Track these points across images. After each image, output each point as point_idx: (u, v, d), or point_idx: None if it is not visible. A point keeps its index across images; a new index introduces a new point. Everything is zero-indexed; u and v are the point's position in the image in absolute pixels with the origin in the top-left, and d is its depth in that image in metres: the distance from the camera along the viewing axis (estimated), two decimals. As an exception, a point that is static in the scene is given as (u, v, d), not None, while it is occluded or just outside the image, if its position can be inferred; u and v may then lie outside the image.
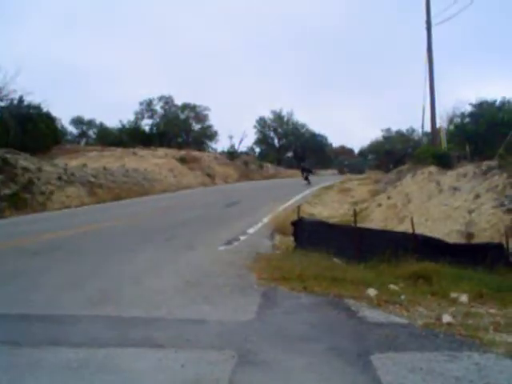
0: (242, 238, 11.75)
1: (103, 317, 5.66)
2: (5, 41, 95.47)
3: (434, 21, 24.86)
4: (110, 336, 4.97)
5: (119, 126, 67.65)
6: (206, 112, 70.78)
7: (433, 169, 16.85)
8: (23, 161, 27.44)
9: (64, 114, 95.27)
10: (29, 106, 37.50)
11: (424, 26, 24.98)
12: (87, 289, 7.00)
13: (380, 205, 16.65)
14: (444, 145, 23.36)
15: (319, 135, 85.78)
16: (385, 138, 67.15)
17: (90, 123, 72.64)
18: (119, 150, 48.39)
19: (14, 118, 30.26)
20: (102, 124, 71.30)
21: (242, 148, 71.56)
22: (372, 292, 6.66)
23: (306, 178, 35.66)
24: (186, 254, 9.79)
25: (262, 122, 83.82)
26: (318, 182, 36.16)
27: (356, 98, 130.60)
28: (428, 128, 25.88)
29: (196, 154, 52.49)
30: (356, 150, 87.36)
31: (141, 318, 5.62)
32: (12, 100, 30.18)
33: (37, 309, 6.01)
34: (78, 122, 71.30)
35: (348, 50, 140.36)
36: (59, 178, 27.77)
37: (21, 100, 34.03)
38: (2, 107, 29.26)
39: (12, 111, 30.74)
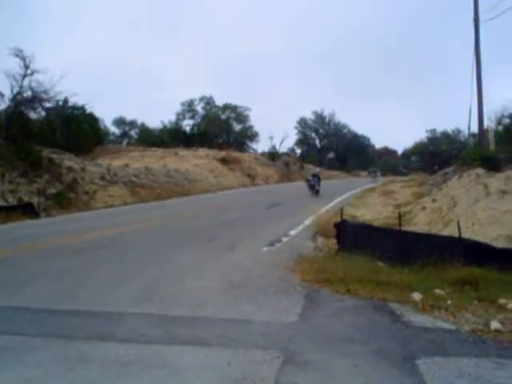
0: (284, 239, 11.74)
1: (149, 314, 5.76)
2: (52, 44, 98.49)
3: (482, 18, 24.27)
4: (156, 333, 5.06)
5: (161, 126, 68.51)
6: (246, 112, 71.00)
7: (480, 171, 16.40)
8: (68, 161, 28.18)
9: (106, 115, 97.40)
10: (73, 107, 38.35)
11: (472, 23, 24.44)
12: (131, 287, 7.14)
13: (424, 208, 16.33)
14: (492, 146, 22.75)
15: (362, 136, 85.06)
16: (429, 139, 65.82)
17: (132, 124, 73.79)
18: (160, 151, 49.10)
19: (60, 119, 30.95)
20: (143, 124, 72.38)
21: (283, 149, 71.34)
22: (417, 296, 6.55)
23: None
24: (229, 254, 9.84)
25: (303, 123, 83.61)
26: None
27: (400, 98, 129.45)
28: (475, 129, 25.29)
29: (237, 154, 52.69)
30: (399, 152, 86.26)
31: (186, 316, 5.71)
32: (58, 101, 30.84)
33: (85, 305, 6.17)
34: (120, 122, 72.56)
35: (391, 50, 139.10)
36: (102, 178, 28.39)
37: (66, 101, 34.77)
38: (49, 108, 29.90)
39: (58, 112, 31.45)
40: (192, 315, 5.75)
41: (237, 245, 10.84)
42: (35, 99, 27.73)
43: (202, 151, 50.19)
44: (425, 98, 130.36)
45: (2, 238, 12.74)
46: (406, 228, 10.51)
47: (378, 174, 53.53)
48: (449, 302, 6.39)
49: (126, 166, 34.89)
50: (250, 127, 72.16)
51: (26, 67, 26.77)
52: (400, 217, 9.69)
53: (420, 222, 14.31)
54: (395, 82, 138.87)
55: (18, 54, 26.56)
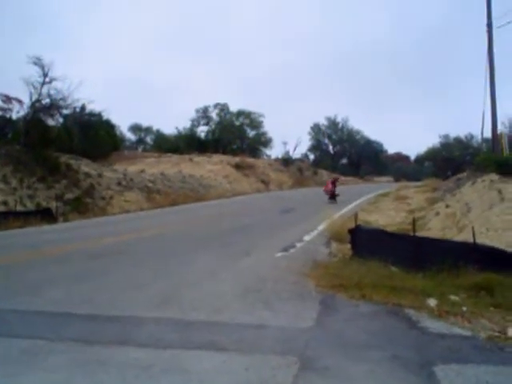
0: (298, 244, 11.78)
1: (166, 319, 5.83)
2: (71, 54, 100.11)
3: (496, 23, 24.16)
4: (174, 338, 5.13)
5: (175, 132, 68.93)
6: (260, 119, 71.09)
7: (494, 177, 16.27)
8: (85, 166, 28.53)
9: (123, 122, 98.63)
10: (90, 114, 38.88)
11: (485, 29, 24.36)
12: (148, 292, 7.23)
13: (438, 213, 16.26)
14: (506, 152, 22.60)
15: (375, 142, 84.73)
16: (442, 144, 65.27)
17: (148, 130, 74.50)
18: (176, 157, 49.43)
19: (77, 126, 31.43)
20: (158, 131, 72.96)
21: (296, 155, 71.30)
22: (432, 302, 6.56)
23: None
24: (243, 259, 9.91)
25: (316, 129, 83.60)
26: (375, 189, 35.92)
27: (412, 104, 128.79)
28: (488, 134, 25.15)
29: (251, 160, 52.83)
30: (412, 157, 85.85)
31: (202, 321, 5.75)
32: (75, 108, 31.32)
33: (103, 309, 6.26)
34: (135, 128, 73.32)
35: (404, 56, 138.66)
36: (119, 184, 28.66)
37: (83, 108, 35.26)
38: (66, 115, 30.38)
39: (75, 119, 31.92)
40: (209, 320, 5.80)
41: (251, 250, 10.90)
42: (53, 106, 28.17)
43: (217, 157, 50.41)
44: (438, 103, 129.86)
45: (21, 243, 12.96)
46: (419, 233, 10.47)
47: None
48: (464, 308, 6.37)
49: (142, 171, 35.17)
50: (264, 133, 72.31)
51: (45, 75, 27.23)
52: (414, 222, 9.67)
53: (434, 228, 14.26)
54: (408, 87, 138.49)
55: (37, 62, 27.07)
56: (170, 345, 4.90)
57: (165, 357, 4.59)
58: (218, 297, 6.90)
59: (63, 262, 9.87)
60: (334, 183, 28.10)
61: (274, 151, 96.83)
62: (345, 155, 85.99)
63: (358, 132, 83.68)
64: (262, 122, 71.23)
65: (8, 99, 30.75)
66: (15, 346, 4.91)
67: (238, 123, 70.33)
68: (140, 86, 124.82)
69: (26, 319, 5.89)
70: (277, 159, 62.91)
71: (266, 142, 72.84)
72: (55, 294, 7.05)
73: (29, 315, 6.06)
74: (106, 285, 7.74)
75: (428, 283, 7.42)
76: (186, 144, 62.28)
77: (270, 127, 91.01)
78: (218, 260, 9.89)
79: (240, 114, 70.21)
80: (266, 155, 71.30)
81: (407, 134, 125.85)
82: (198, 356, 4.60)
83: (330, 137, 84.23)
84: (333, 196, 27.02)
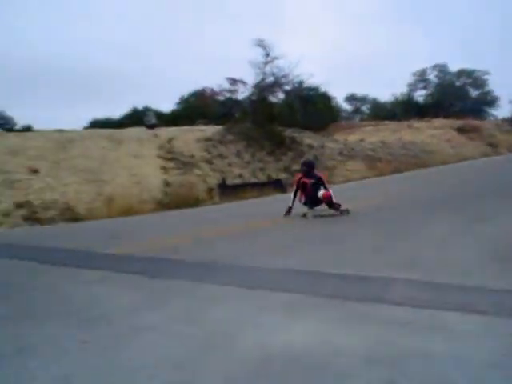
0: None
1: (414, 280, 5.84)
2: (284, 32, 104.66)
3: None
4: (427, 298, 5.12)
5: (392, 99, 67.79)
6: (485, 77, 66.08)
7: None
8: (307, 139, 29.80)
9: (338, 93, 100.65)
10: (308, 88, 40.37)
11: None
12: (391, 254, 7.33)
13: None
14: None
15: None
16: None
17: (363, 99, 74.67)
18: (393, 124, 48.77)
19: (298, 100, 33.05)
20: (374, 99, 72.54)
21: (528, 113, 64.67)
22: None
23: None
24: (483, 226, 9.40)
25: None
26: None
27: None
28: None
29: (475, 122, 49.52)
30: None
31: (453, 284, 5.63)
32: (294, 84, 33.00)
33: (351, 270, 6.54)
34: (351, 99, 73.97)
35: None
36: (340, 153, 29.37)
37: (301, 83, 36.81)
38: (288, 91, 32.16)
39: (296, 94, 33.58)
40: (459, 283, 5.64)
41: (491, 216, 10.33)
42: (275, 84, 30.09)
43: (437, 121, 48.35)
44: None
45: (263, 210, 14.14)
46: None
47: None
48: None
49: (361, 140, 35.42)
50: (489, 92, 67.07)
51: (267, 55, 29.29)
52: None
53: None
54: None
55: (260, 43, 29.21)
56: (424, 304, 4.90)
57: (422, 315, 4.61)
58: (463, 261, 6.69)
59: (303, 226, 10.59)
60: (313, 175, 13.26)
61: (501, 111, 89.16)
62: None
63: None
64: (486, 80, 66.21)
65: (234, 82, 33.67)
66: (276, 299, 5.42)
67: (459, 84, 66.39)
68: (355, 56, 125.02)
69: (281, 276, 6.47)
70: (504, 119, 57.92)
71: (492, 102, 67.57)
72: (302, 255, 7.63)
73: (283, 273, 6.62)
74: (348, 247, 8.14)
75: None
76: (403, 110, 60.89)
77: (495, 85, 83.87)
78: (455, 225, 9.58)
79: (461, 73, 66.08)
80: (492, 116, 66.18)
81: None
82: (456, 316, 4.52)
83: None
84: (332, 204, 12.12)
